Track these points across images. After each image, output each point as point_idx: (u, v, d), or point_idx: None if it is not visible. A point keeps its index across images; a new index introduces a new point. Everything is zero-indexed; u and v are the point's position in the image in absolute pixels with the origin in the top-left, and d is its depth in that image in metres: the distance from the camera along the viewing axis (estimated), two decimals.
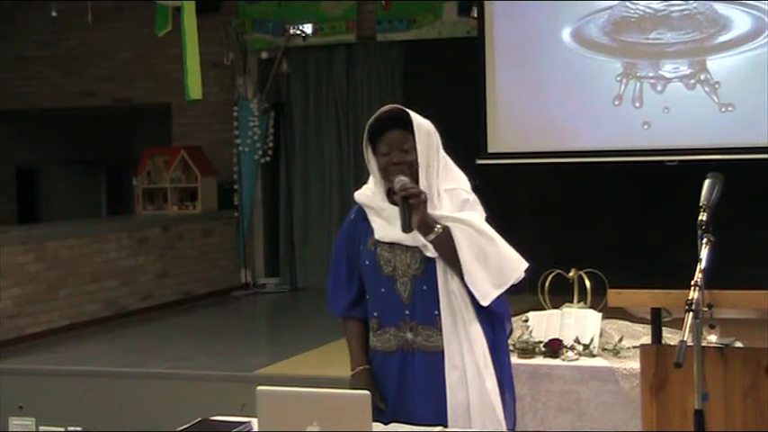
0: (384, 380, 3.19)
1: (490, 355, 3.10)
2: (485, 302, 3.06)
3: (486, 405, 3.06)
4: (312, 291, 9.96)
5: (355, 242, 3.24)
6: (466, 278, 3.06)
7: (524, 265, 3.13)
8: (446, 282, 3.10)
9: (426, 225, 3.05)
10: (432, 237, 3.05)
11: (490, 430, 3.03)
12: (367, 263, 3.19)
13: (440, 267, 3.10)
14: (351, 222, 3.28)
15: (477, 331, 3.09)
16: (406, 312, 3.14)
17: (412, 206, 3.02)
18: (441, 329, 3.10)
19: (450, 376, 3.09)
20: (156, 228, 9.41)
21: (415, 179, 3.10)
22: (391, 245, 3.14)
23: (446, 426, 3.05)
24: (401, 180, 3.06)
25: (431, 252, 3.09)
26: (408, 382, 3.15)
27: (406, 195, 3.02)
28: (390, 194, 3.16)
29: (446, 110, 8.95)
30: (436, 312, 3.11)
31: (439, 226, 3.06)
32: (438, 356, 3.11)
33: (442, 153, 3.18)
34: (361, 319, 3.26)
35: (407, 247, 3.12)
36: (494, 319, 3.14)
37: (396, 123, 3.13)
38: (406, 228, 3.02)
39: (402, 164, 3.11)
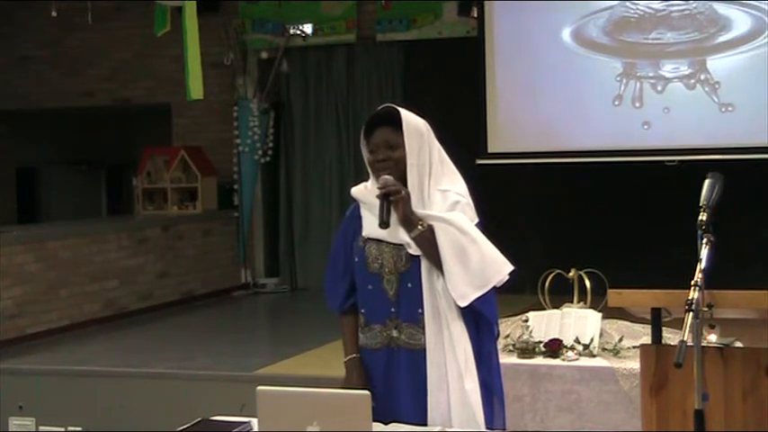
0: (371, 377, 3.20)
1: (476, 358, 3.11)
2: (462, 303, 3.06)
3: (465, 406, 3.07)
4: (312, 291, 9.95)
5: (349, 238, 3.27)
6: (445, 278, 3.07)
7: (508, 267, 3.12)
8: (431, 280, 3.11)
9: (409, 222, 3.07)
10: (414, 234, 3.08)
11: (470, 431, 3.03)
12: (356, 259, 3.22)
13: (424, 266, 3.11)
14: (348, 218, 3.31)
15: (459, 331, 3.10)
16: (392, 310, 3.16)
17: (392, 203, 3.06)
18: (424, 328, 3.11)
19: (432, 375, 3.10)
20: (156, 228, 9.40)
21: (403, 177, 3.12)
22: (379, 242, 3.16)
23: (426, 425, 3.05)
24: (384, 178, 3.10)
25: (414, 250, 3.11)
26: (393, 380, 3.16)
27: (386, 192, 3.06)
28: None
29: (446, 110, 9.00)
30: (420, 311, 3.12)
31: (422, 223, 3.07)
32: (421, 355, 3.12)
33: (439, 154, 3.19)
34: (355, 313, 3.28)
35: (394, 244, 3.14)
36: (480, 322, 3.13)
37: (385, 122, 3.16)
38: (382, 224, 3.06)
39: (387, 161, 3.13)
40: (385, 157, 3.14)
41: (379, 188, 3.09)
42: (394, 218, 3.09)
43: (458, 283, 3.06)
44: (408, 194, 3.08)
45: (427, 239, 3.07)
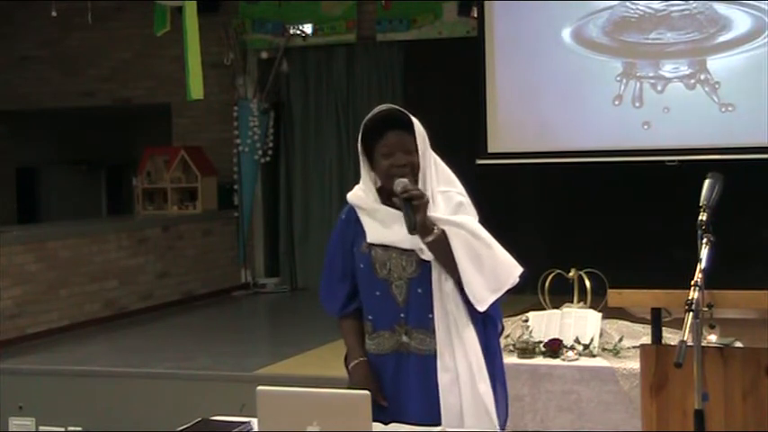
0: (380, 379, 3.16)
1: (483, 356, 3.09)
2: (481, 308, 3.04)
3: (479, 408, 3.05)
4: (312, 291, 9.94)
5: (348, 243, 3.22)
6: (463, 283, 3.04)
7: (519, 270, 3.10)
8: (440, 285, 3.08)
9: (425, 227, 3.02)
10: (430, 239, 3.03)
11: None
12: (362, 266, 3.16)
13: (434, 270, 3.08)
14: (343, 222, 3.25)
15: (470, 334, 3.08)
16: (401, 315, 3.12)
17: (415, 207, 3.00)
18: (434, 332, 3.09)
19: (443, 379, 3.07)
20: (156, 228, 9.40)
21: (415, 181, 3.09)
22: (386, 247, 3.12)
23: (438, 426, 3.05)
24: (402, 181, 3.04)
25: (426, 255, 3.07)
26: (402, 385, 3.14)
27: (409, 197, 3.00)
28: (389, 196, 3.13)
29: (446, 110, 9.02)
30: (430, 315, 3.09)
31: (437, 228, 3.03)
32: (431, 359, 3.10)
33: (434, 155, 3.16)
34: (356, 316, 3.24)
35: (402, 249, 3.10)
36: (486, 320, 3.12)
37: (395, 124, 3.11)
38: (412, 229, 3.00)
39: (406, 166, 3.08)
40: (405, 162, 3.08)
41: (400, 192, 3.03)
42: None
43: (477, 288, 3.03)
44: (428, 198, 3.04)
45: (442, 244, 3.03)
